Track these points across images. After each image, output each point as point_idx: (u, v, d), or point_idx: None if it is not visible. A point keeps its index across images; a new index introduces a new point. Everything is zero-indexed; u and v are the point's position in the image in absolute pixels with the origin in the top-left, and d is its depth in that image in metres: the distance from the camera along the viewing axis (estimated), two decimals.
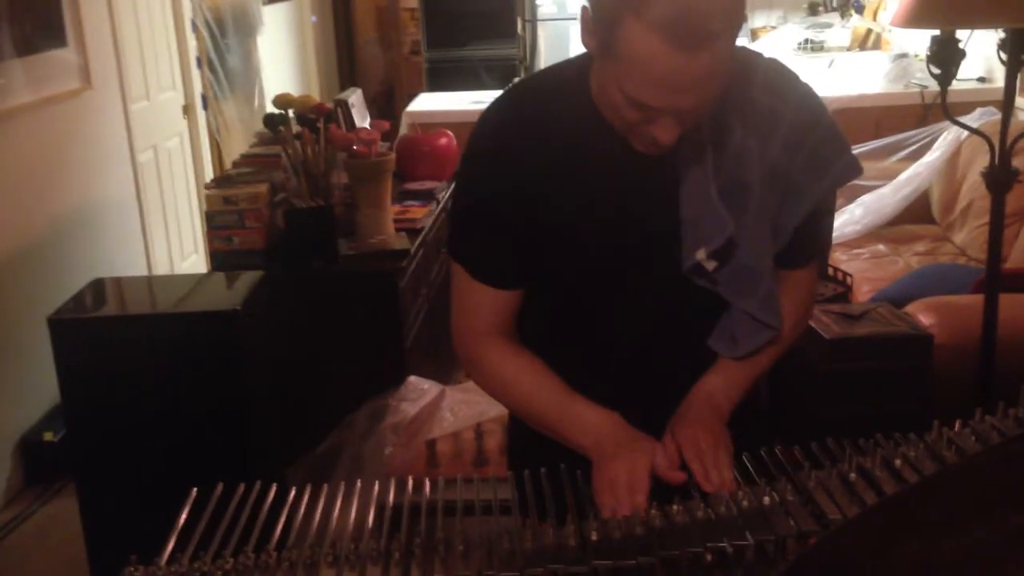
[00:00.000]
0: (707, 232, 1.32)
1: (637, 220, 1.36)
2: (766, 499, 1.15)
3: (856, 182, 1.50)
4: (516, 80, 1.46)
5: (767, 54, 1.41)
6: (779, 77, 1.37)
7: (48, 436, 3.52)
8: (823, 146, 1.36)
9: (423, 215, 3.29)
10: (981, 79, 4.90)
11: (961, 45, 2.30)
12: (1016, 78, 2.31)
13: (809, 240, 1.43)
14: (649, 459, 1.32)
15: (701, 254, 1.32)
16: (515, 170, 1.34)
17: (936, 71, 2.32)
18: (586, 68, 1.33)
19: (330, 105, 3.32)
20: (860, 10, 6.09)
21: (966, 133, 3.77)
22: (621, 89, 1.20)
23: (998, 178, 2.33)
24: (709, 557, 1.08)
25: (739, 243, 1.34)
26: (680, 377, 1.44)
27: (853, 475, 1.16)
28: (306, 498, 1.24)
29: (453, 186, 1.45)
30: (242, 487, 1.26)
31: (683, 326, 1.44)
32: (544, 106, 1.37)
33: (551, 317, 1.47)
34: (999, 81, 4.71)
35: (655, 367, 1.44)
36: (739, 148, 1.32)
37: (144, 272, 4.46)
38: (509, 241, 1.38)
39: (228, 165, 4.29)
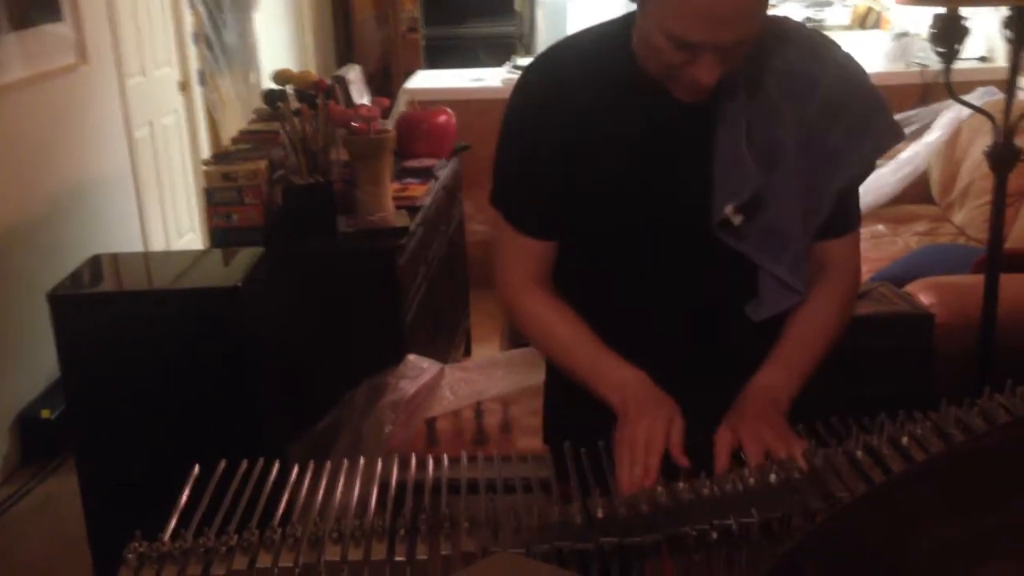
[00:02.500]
0: (735, 186, 1.34)
1: (674, 177, 1.38)
2: (772, 477, 1.14)
3: None
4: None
5: None
6: (818, 43, 1.39)
7: (45, 413, 3.52)
8: (864, 112, 1.37)
9: (422, 193, 3.27)
10: (982, 58, 4.88)
11: (964, 23, 2.29)
12: (1020, 56, 2.29)
13: (848, 207, 1.45)
14: (667, 424, 1.32)
15: (729, 209, 1.34)
16: (554, 125, 1.38)
17: (940, 49, 2.30)
18: (627, 27, 1.36)
19: (329, 82, 3.30)
20: None
21: (966, 113, 3.75)
22: (664, 30, 1.23)
23: (1001, 157, 2.33)
24: (715, 534, 1.08)
25: (768, 201, 1.35)
26: (717, 337, 1.46)
27: (859, 453, 1.15)
28: (309, 475, 1.24)
29: (498, 138, 1.49)
30: (244, 464, 1.25)
31: (718, 286, 1.44)
32: (585, 63, 1.40)
33: (588, 276, 1.49)
34: (1000, 60, 4.70)
35: (692, 327, 1.46)
36: (773, 108, 1.34)
37: (140, 249, 4.45)
38: (548, 193, 1.42)
39: (225, 142, 4.27)
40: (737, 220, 1.35)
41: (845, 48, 1.42)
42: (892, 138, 1.41)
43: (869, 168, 1.44)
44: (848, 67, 1.39)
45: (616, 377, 1.40)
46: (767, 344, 1.46)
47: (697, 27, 1.20)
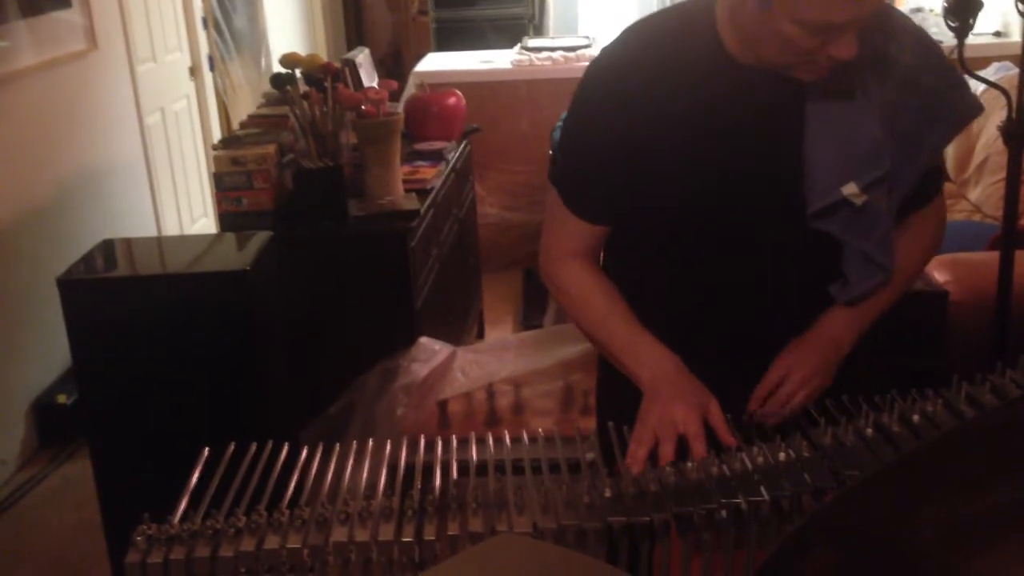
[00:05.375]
0: (858, 166, 1.32)
1: (754, 161, 1.36)
2: (781, 455, 1.14)
3: None
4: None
5: None
6: (894, 21, 1.36)
7: (62, 399, 3.54)
8: (940, 89, 1.35)
9: (433, 175, 3.26)
10: (997, 33, 4.83)
11: None
12: None
13: (932, 179, 1.45)
14: (702, 410, 1.32)
15: (850, 188, 1.31)
16: (628, 108, 1.35)
17: (954, 24, 2.27)
18: (710, 7, 1.34)
19: (338, 65, 3.29)
20: None
21: (981, 88, 3.71)
22: (796, 20, 1.20)
23: (1016, 132, 2.30)
24: (724, 513, 1.07)
25: (892, 180, 1.33)
26: (789, 322, 1.44)
27: (870, 431, 1.14)
28: (318, 457, 1.24)
29: (567, 114, 1.47)
30: (254, 446, 1.25)
31: (796, 269, 1.43)
32: (665, 44, 1.37)
33: (657, 260, 1.48)
34: (1015, 35, 4.64)
35: (764, 312, 1.45)
36: (867, 89, 1.32)
37: (154, 235, 4.46)
38: (609, 182, 1.40)
39: (236, 127, 4.27)
40: (860, 200, 1.32)
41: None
42: (971, 113, 1.39)
43: (946, 144, 1.43)
44: (923, 43, 1.36)
45: (649, 355, 1.40)
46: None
47: (840, 6, 1.18)
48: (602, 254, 1.56)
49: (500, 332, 4.20)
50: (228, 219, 2.91)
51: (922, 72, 1.34)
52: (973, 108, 1.39)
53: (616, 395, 1.53)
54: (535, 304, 4.32)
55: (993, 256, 2.43)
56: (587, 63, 1.45)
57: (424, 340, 2.80)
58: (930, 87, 1.34)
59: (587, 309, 1.48)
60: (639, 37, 1.41)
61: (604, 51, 1.42)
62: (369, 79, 3.83)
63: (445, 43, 6.76)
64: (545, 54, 4.97)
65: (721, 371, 1.40)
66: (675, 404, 1.31)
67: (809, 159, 1.33)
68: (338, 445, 1.27)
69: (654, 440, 1.29)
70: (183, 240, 3.73)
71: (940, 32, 4.57)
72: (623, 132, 1.36)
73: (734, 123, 1.34)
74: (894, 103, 1.33)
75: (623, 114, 1.36)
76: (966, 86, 1.40)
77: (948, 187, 4.04)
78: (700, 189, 1.37)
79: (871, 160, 1.31)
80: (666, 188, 1.38)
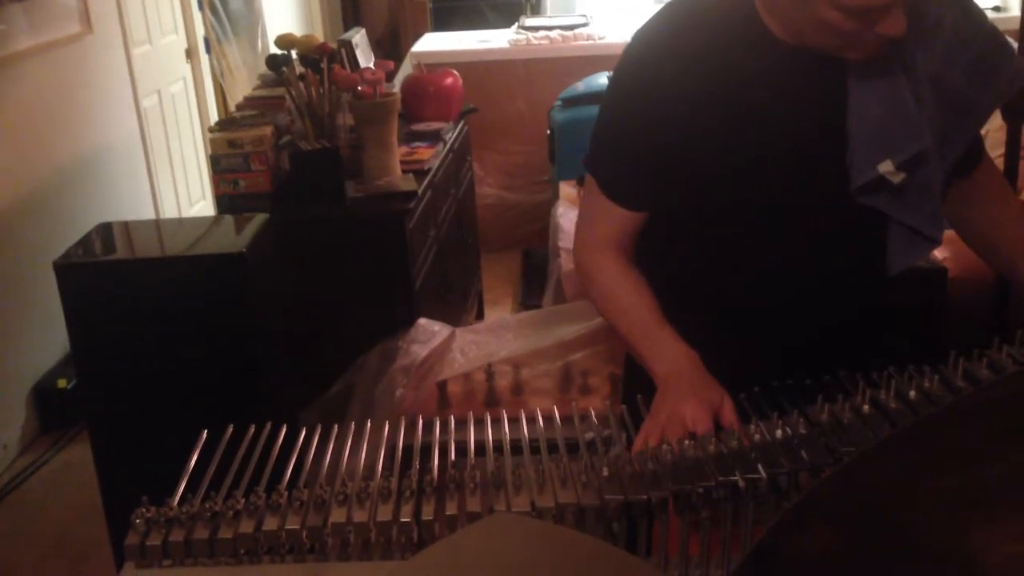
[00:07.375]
0: (896, 142, 1.30)
1: (798, 140, 1.34)
2: (778, 432, 1.14)
3: None
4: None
5: None
6: None
7: (62, 383, 3.55)
8: (988, 54, 1.33)
9: (430, 156, 3.25)
10: (996, 8, 4.81)
11: None
12: None
13: (978, 145, 1.45)
14: (713, 408, 1.29)
15: (886, 166, 1.29)
16: (667, 89, 1.33)
17: None
18: None
19: (334, 45, 3.27)
20: None
21: None
22: (838, 6, 1.18)
23: (1015, 107, 2.29)
24: (721, 491, 1.07)
25: (930, 155, 1.31)
26: (826, 303, 1.43)
27: (867, 407, 1.14)
28: (316, 439, 1.24)
29: (604, 97, 1.44)
30: (252, 428, 1.26)
31: (832, 253, 1.41)
32: (703, 23, 1.35)
33: (694, 250, 1.46)
34: (1015, 10, 4.62)
35: (801, 296, 1.43)
36: (910, 60, 1.30)
37: (152, 218, 4.46)
38: (648, 163, 1.38)
39: (233, 109, 4.25)
40: (897, 178, 1.30)
41: None
42: (1018, 80, 1.37)
43: (996, 107, 1.41)
44: (965, 7, 1.34)
45: (667, 350, 1.37)
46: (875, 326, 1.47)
47: None
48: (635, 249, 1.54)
49: (499, 312, 4.21)
50: (225, 201, 2.91)
51: (967, 36, 1.32)
52: (1021, 71, 1.37)
53: (642, 385, 1.54)
54: (534, 284, 4.32)
55: None
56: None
57: (423, 321, 2.80)
58: (976, 51, 1.32)
59: (613, 299, 1.45)
60: (675, 16, 1.38)
61: (640, 32, 1.39)
62: (366, 60, 3.81)
63: (442, 23, 6.74)
64: (542, 33, 4.94)
65: (764, 356, 1.39)
66: (686, 402, 1.29)
67: (850, 136, 1.32)
68: (337, 426, 1.27)
69: (661, 436, 1.28)
70: (180, 223, 3.72)
71: None
72: (662, 114, 1.33)
73: (776, 102, 1.32)
74: (940, 70, 1.31)
75: (662, 96, 1.33)
76: (1012, 50, 1.38)
77: None
78: (743, 170, 1.35)
79: (909, 136, 1.29)
80: (708, 170, 1.36)
